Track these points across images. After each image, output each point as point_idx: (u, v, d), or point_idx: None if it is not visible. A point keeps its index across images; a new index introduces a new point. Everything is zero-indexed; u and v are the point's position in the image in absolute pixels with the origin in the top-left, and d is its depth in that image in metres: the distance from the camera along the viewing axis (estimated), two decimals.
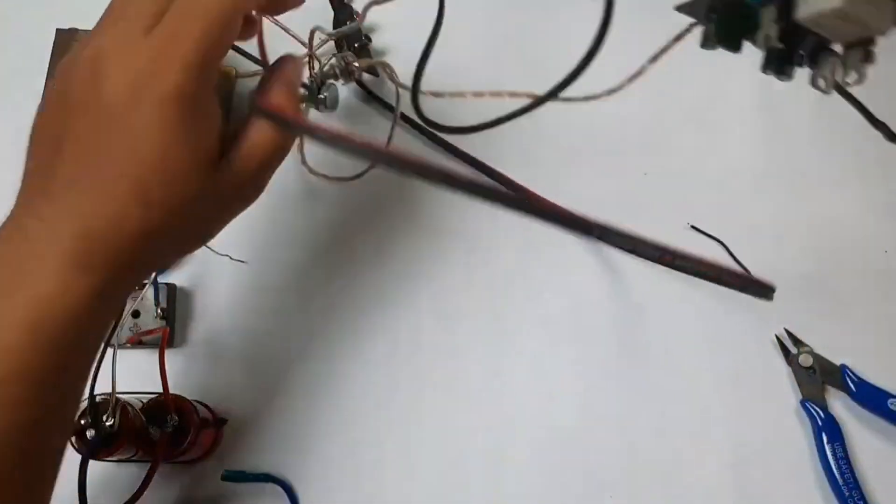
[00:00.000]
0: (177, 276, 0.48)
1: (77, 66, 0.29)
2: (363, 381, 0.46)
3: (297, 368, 0.47)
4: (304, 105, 0.46)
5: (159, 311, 0.45)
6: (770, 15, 0.26)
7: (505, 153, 0.50)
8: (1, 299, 0.28)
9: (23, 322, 0.28)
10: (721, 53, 0.28)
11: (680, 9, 0.29)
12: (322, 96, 0.44)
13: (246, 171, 0.31)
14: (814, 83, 0.27)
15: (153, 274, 0.44)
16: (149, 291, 0.44)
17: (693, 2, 0.28)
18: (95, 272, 0.28)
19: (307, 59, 0.45)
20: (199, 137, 0.29)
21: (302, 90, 0.47)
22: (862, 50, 0.26)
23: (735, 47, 0.28)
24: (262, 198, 0.48)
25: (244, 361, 0.47)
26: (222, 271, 0.48)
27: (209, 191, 0.30)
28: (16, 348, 0.27)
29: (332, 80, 0.45)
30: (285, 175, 0.50)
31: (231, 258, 0.48)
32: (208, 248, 0.48)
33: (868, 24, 0.24)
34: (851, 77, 0.26)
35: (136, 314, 0.45)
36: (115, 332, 0.42)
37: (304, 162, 0.49)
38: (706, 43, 0.28)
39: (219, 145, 0.30)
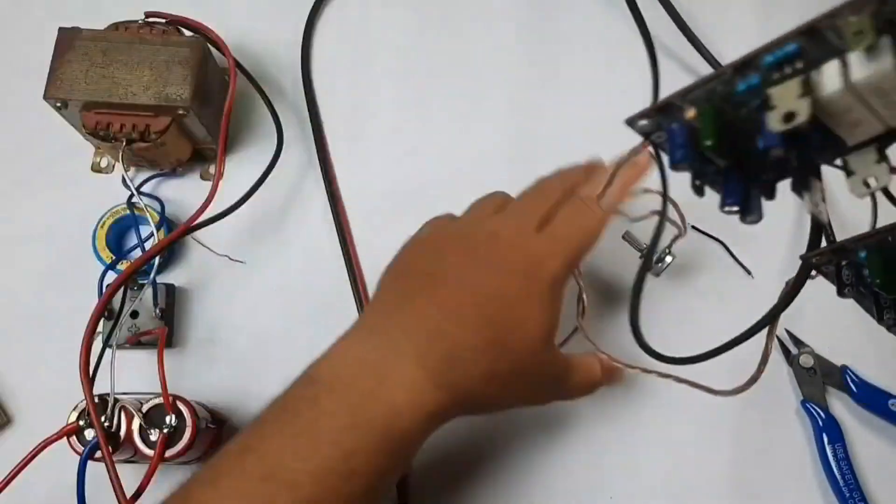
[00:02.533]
0: (176, 277, 0.48)
1: (472, 238, 0.37)
2: None
3: (296, 368, 0.46)
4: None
5: (158, 311, 0.45)
6: (794, 90, 0.21)
7: None
8: (365, 401, 0.32)
9: (378, 427, 0.32)
10: None
11: (629, 121, 0.26)
12: (658, 265, 0.45)
13: (565, 386, 0.39)
14: (811, 204, 0.23)
15: (152, 275, 0.44)
16: (147, 292, 0.44)
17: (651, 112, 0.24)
18: (445, 391, 0.33)
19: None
20: (554, 316, 0.36)
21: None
22: (876, 149, 0.22)
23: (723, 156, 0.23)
24: (263, 198, 0.48)
25: (244, 361, 0.47)
26: (221, 271, 0.48)
27: (538, 361, 0.36)
28: (372, 450, 0.32)
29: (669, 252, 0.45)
30: (287, 175, 0.50)
31: (230, 258, 0.48)
32: (207, 248, 0.48)
33: None
34: (872, 182, 0.21)
35: (134, 314, 0.45)
36: (114, 333, 0.42)
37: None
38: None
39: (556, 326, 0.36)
